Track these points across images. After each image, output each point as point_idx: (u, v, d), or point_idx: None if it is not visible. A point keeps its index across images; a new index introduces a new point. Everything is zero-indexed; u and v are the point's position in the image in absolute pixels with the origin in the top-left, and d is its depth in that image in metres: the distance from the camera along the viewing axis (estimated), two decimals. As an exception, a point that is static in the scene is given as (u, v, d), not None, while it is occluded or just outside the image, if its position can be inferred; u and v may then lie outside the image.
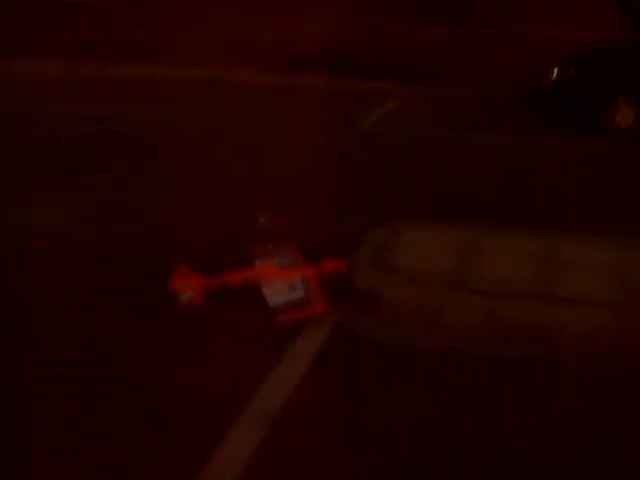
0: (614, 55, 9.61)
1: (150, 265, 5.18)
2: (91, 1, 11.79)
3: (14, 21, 11.48)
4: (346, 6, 12.02)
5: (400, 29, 12.14)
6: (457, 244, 5.42)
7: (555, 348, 4.47)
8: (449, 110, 10.05)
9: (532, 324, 4.61)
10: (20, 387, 3.39)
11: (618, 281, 4.89)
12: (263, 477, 3.38)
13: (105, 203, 6.21)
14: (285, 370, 4.21)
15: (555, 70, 9.61)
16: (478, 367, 4.35)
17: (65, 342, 3.99)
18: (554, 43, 10.49)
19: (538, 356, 4.43)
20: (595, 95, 9.04)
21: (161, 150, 7.67)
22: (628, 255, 5.27)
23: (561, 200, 6.62)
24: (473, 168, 7.48)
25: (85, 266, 4.95)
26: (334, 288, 5.00)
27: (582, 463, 3.59)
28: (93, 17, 11.72)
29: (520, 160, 7.96)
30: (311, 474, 3.38)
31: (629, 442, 3.71)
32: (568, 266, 5.14)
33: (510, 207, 6.43)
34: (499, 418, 3.92)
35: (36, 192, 6.19)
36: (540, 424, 3.86)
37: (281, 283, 4.97)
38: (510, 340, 4.59)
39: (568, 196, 6.74)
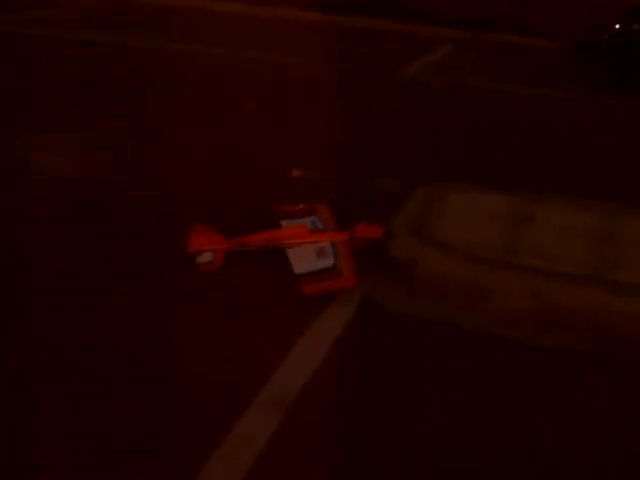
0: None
1: (166, 225, 4.78)
2: None
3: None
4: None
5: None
6: (505, 213, 4.93)
7: (606, 340, 4.01)
8: (502, 60, 9.40)
9: (582, 311, 4.13)
10: (20, 387, 3.25)
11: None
12: (275, 467, 3.10)
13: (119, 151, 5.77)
14: (305, 350, 3.81)
15: (618, 24, 8.90)
16: (518, 355, 3.93)
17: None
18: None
19: (585, 348, 3.98)
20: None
21: (182, 90, 7.11)
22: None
23: (621, 168, 6.05)
24: (522, 125, 6.90)
25: (87, 232, 4.58)
26: (367, 256, 4.56)
27: (620, 463, 3.23)
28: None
29: (575, 118, 7.35)
30: (323, 464, 3.12)
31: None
32: (627, 246, 4.63)
33: (565, 173, 5.88)
34: (533, 416, 3.52)
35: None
36: (580, 426, 3.47)
37: (309, 248, 4.54)
38: (555, 327, 4.13)
39: (626, 164, 6.17)
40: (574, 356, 3.93)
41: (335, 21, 10.22)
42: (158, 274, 4.29)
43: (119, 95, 6.64)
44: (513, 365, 3.87)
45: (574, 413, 3.55)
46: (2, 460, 2.85)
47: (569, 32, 9.88)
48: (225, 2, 10.98)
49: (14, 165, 5.49)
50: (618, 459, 3.31)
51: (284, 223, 4.80)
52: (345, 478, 3.12)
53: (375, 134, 6.37)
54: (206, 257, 4.47)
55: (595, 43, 9.29)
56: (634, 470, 3.25)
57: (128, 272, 4.23)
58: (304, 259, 4.46)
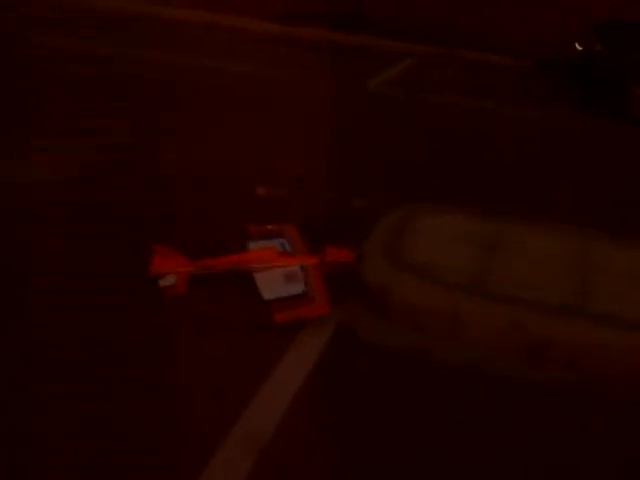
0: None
1: (129, 247, 4.51)
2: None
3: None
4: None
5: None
6: (479, 237, 4.78)
7: (594, 376, 3.87)
8: (466, 76, 9.30)
9: (565, 344, 3.99)
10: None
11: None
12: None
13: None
14: (276, 384, 3.60)
15: (578, 43, 8.89)
16: (497, 389, 3.77)
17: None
18: (586, 11, 9.71)
19: (571, 383, 3.84)
20: (621, 74, 8.30)
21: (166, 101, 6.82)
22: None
23: (590, 190, 5.97)
24: (488, 142, 6.78)
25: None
26: (338, 282, 4.36)
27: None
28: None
29: (543, 135, 7.26)
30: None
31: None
32: (603, 273, 4.52)
33: (534, 193, 5.75)
34: (514, 452, 3.38)
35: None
36: (567, 463, 3.32)
37: (278, 272, 4.33)
38: (536, 359, 3.98)
39: (597, 185, 6.09)
40: (554, 391, 3.79)
41: (298, 33, 10.02)
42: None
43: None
44: (491, 398, 3.72)
45: (555, 450, 3.41)
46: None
47: (532, 50, 9.84)
48: (180, 10, 10.70)
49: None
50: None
51: (252, 245, 4.58)
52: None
53: (342, 150, 6.18)
54: (169, 280, 4.22)
55: (556, 63, 9.27)
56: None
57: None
58: (273, 284, 4.25)
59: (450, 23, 10.11)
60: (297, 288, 4.23)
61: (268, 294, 4.17)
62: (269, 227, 4.75)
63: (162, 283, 4.21)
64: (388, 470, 3.21)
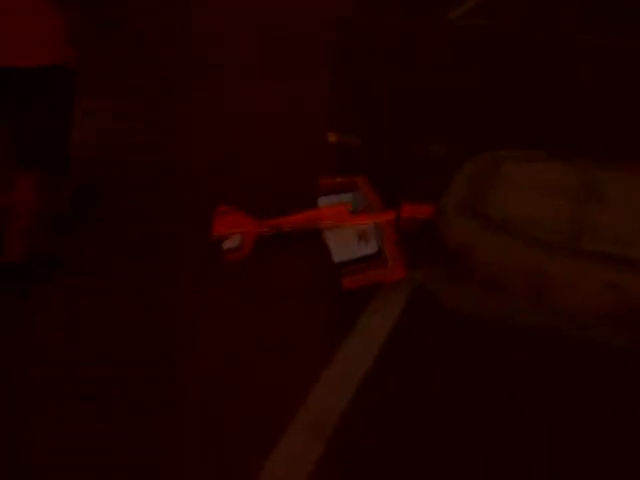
0: None
1: (188, 206, 4.26)
2: None
3: None
4: None
5: None
6: (570, 186, 4.32)
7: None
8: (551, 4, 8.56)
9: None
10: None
11: None
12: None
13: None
14: (345, 359, 3.32)
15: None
16: (590, 358, 3.42)
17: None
18: None
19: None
20: None
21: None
22: None
23: None
24: (587, 78, 6.15)
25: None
26: (415, 241, 4.02)
27: None
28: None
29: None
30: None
31: None
32: None
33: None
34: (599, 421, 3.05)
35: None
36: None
37: (350, 231, 4.01)
38: (634, 326, 3.58)
39: None
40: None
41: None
42: (175, 265, 3.81)
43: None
44: (585, 370, 3.36)
45: None
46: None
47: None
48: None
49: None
50: None
51: (322, 200, 4.26)
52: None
53: (417, 92, 5.72)
54: (233, 242, 3.96)
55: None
56: None
57: (142, 262, 3.79)
58: (345, 244, 3.93)
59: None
60: (370, 248, 3.91)
61: (339, 256, 3.86)
62: (339, 179, 4.42)
63: (226, 245, 3.95)
64: (467, 449, 2.93)
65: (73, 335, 3.31)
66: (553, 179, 4.36)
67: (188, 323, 3.46)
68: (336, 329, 3.49)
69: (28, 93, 3.34)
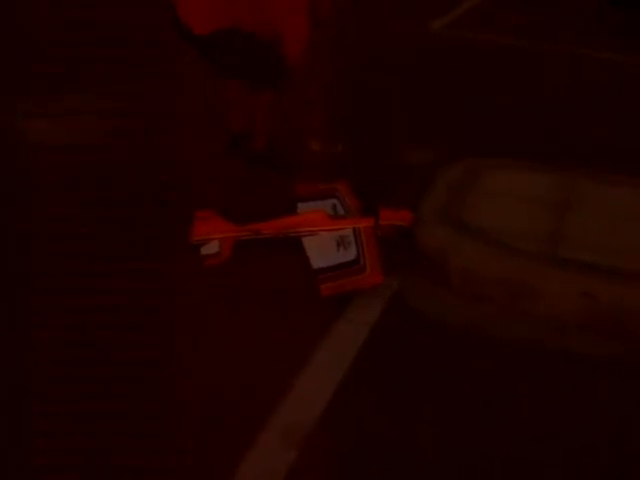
0: None
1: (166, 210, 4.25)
2: None
3: None
4: None
5: None
6: (549, 196, 4.35)
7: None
8: (534, 16, 8.58)
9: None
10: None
11: None
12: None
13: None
14: (321, 366, 3.33)
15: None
16: (569, 368, 3.43)
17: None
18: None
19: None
20: None
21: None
22: None
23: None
24: (567, 88, 6.20)
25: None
26: (393, 247, 4.03)
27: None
28: None
29: (623, 79, 6.62)
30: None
31: None
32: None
33: (619, 144, 5.18)
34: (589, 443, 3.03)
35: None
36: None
37: (329, 237, 4.02)
38: (616, 337, 3.60)
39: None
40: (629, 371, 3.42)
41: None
42: (158, 267, 3.79)
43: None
44: (556, 376, 3.39)
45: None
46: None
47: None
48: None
49: (12, 133, 5.03)
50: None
51: (301, 207, 4.27)
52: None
53: (399, 97, 5.74)
54: (212, 248, 3.97)
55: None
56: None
57: (125, 261, 3.80)
58: (323, 251, 3.94)
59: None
60: (348, 255, 3.92)
61: (318, 262, 3.87)
62: (319, 186, 4.43)
63: (204, 251, 3.95)
64: (444, 460, 2.94)
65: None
66: (532, 189, 4.39)
67: (181, 328, 3.48)
68: (313, 337, 3.49)
69: None
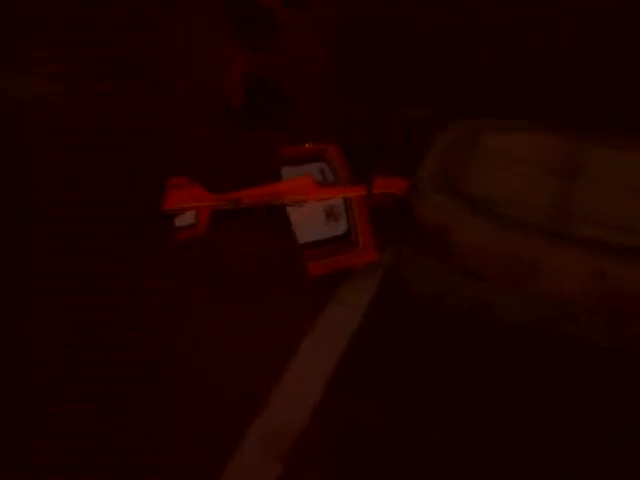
0: None
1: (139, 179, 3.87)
2: None
3: None
4: None
5: None
6: (555, 160, 3.96)
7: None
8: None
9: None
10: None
11: None
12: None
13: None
14: (309, 358, 3.06)
15: None
16: (575, 356, 3.21)
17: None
18: None
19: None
20: None
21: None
22: None
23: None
24: (574, 35, 5.66)
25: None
26: (387, 219, 3.68)
27: None
28: None
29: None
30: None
31: None
32: None
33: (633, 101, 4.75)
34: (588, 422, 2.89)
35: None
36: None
37: (317, 207, 3.66)
38: (621, 318, 3.32)
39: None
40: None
41: None
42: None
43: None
44: (564, 366, 3.17)
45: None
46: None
47: None
48: None
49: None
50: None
51: (286, 171, 3.89)
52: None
53: (390, 51, 5.24)
54: (187, 218, 3.60)
55: None
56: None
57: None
58: (311, 223, 3.59)
59: None
60: (339, 228, 3.57)
61: (304, 236, 3.52)
62: (307, 146, 4.03)
63: (179, 222, 3.58)
64: (444, 454, 2.77)
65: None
66: (535, 152, 4.01)
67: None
68: (301, 323, 3.18)
69: None
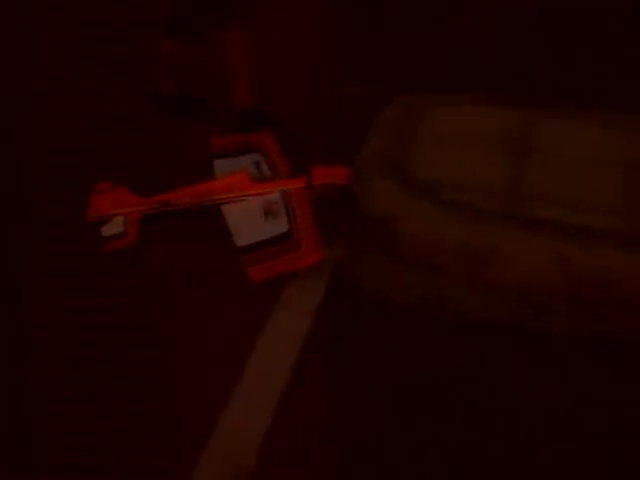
0: None
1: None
2: None
3: None
4: None
5: None
6: (505, 136, 3.71)
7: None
8: None
9: (625, 284, 3.12)
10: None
11: None
12: None
13: None
14: (257, 372, 2.84)
15: None
16: (541, 353, 3.06)
17: None
18: None
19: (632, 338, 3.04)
20: None
21: None
22: None
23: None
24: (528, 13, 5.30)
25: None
26: (330, 211, 3.43)
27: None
28: None
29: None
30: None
31: None
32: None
33: (582, 77, 4.48)
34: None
35: None
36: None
37: (254, 205, 3.38)
38: (595, 311, 3.14)
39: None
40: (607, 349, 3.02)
41: None
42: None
43: None
44: (522, 362, 3.02)
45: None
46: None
47: None
48: None
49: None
50: None
51: (218, 165, 3.60)
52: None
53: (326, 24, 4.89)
54: (115, 227, 3.30)
55: None
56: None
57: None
58: (248, 222, 3.32)
59: None
60: (279, 226, 3.30)
61: (242, 238, 3.25)
62: (238, 137, 3.74)
63: (106, 232, 3.28)
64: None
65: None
66: (486, 129, 3.75)
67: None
68: (246, 332, 2.96)
69: None
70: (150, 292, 3.24)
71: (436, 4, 4.71)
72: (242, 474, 2.64)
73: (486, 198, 3.35)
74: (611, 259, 3.15)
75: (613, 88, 4.14)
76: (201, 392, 2.94)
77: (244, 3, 3.70)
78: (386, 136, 3.69)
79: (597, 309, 3.14)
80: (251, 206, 3.36)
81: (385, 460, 2.70)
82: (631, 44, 4.36)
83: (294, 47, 4.26)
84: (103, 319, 3.22)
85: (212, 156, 3.61)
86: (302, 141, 3.72)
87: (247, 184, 3.43)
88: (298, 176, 3.47)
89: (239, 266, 3.18)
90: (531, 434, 2.80)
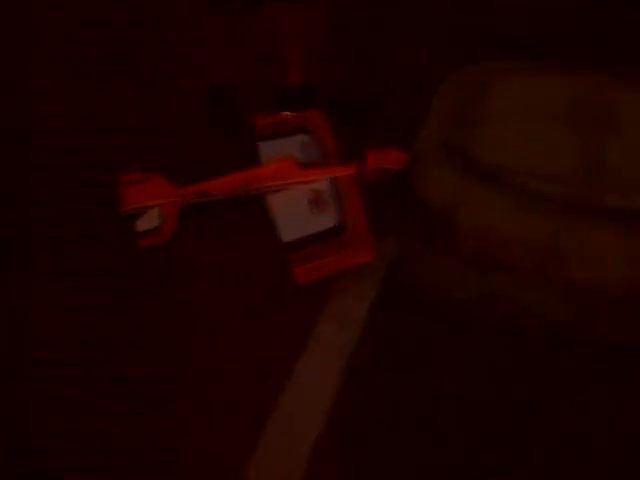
0: None
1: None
2: None
3: None
4: None
5: None
6: (578, 108, 3.34)
7: None
8: None
9: None
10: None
11: None
12: None
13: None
14: (296, 398, 2.63)
15: None
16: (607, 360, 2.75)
17: None
18: None
19: None
20: None
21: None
22: None
23: None
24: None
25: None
26: (384, 200, 3.15)
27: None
28: None
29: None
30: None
31: None
32: None
33: None
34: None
35: None
36: None
37: (300, 194, 3.11)
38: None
39: None
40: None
41: None
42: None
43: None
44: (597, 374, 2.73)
45: None
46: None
47: None
48: None
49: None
50: None
51: (263, 147, 3.33)
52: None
53: None
54: (149, 221, 3.08)
55: None
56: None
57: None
58: (294, 214, 3.06)
59: None
60: (326, 219, 3.04)
61: (288, 233, 2.99)
62: (285, 115, 3.45)
63: (140, 226, 3.07)
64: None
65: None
66: (558, 102, 3.38)
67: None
68: (286, 347, 2.74)
69: None
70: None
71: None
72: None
73: (556, 184, 3.00)
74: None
75: None
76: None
77: None
78: (446, 114, 3.34)
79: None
80: (297, 196, 3.10)
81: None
82: None
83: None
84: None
85: (257, 138, 3.34)
86: (361, 119, 3.43)
87: (294, 171, 3.15)
88: (349, 162, 3.17)
89: (282, 266, 2.93)
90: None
